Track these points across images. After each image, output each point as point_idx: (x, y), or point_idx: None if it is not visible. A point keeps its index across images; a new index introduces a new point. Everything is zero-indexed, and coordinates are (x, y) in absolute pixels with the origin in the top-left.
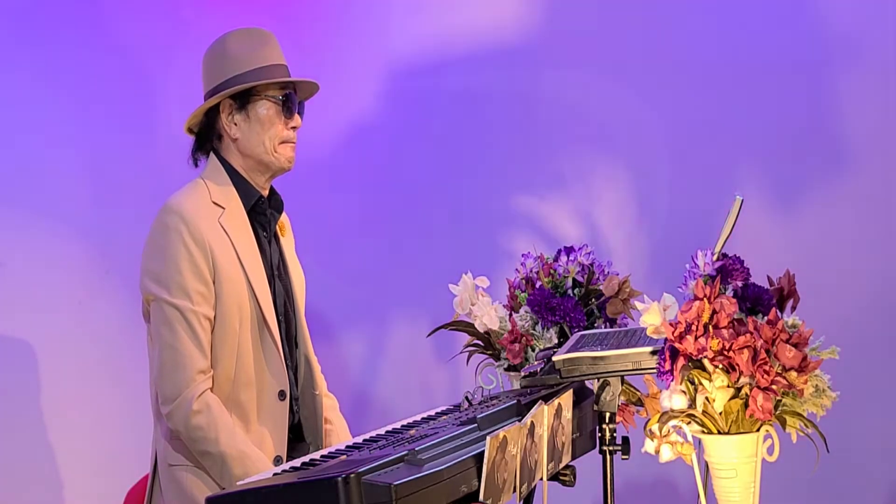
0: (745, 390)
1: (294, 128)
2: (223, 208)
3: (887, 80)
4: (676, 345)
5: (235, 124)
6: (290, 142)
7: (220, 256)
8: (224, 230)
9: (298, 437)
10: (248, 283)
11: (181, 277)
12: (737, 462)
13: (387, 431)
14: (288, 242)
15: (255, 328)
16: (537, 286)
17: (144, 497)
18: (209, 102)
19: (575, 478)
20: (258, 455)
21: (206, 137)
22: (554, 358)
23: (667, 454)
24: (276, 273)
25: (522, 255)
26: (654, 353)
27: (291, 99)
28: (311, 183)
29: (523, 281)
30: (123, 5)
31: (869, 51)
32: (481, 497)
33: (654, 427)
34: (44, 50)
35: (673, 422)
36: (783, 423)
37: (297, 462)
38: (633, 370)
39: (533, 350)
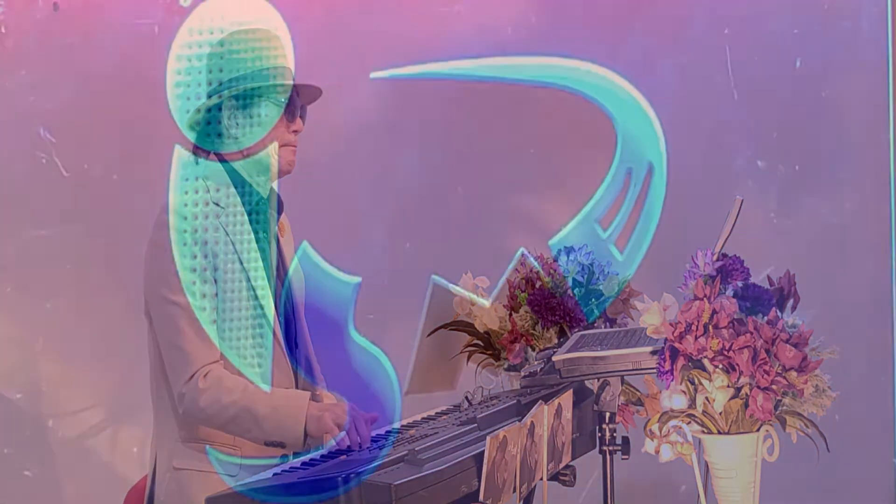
0: (745, 390)
1: (296, 131)
2: (223, 209)
3: (887, 79)
4: (676, 345)
5: (237, 124)
6: (292, 145)
7: (220, 257)
8: (224, 231)
9: None
10: (249, 284)
11: (183, 275)
12: (737, 462)
13: (386, 431)
14: (287, 243)
15: (256, 329)
16: (537, 286)
17: (144, 498)
18: (211, 100)
19: (575, 478)
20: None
21: (207, 135)
22: (554, 358)
23: (667, 454)
24: (276, 274)
25: (522, 255)
26: (654, 353)
27: (294, 102)
28: (311, 183)
29: (523, 281)
30: (126, 5)
31: (869, 50)
32: (481, 497)
33: (654, 427)
34: (41, 49)
35: (673, 422)
36: (783, 423)
37: (297, 462)
38: (633, 370)
39: (533, 350)
